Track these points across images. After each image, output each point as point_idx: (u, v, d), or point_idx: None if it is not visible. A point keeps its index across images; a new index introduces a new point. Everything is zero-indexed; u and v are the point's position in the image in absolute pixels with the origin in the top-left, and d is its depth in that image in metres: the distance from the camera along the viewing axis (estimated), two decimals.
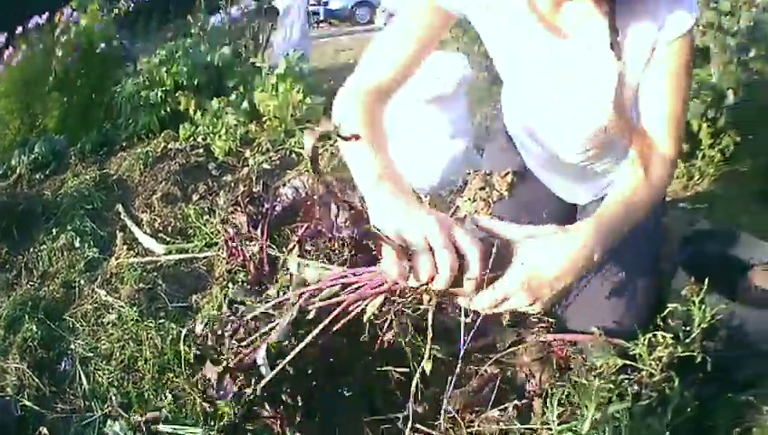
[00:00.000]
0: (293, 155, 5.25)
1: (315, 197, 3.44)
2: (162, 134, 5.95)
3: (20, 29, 7.22)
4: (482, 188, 1.79)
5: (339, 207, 2.86)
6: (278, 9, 10.76)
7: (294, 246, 3.00)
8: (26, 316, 3.60)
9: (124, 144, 6.18)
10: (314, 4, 27.16)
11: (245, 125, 5.65)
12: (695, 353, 1.79)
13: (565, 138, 2.17)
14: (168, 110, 6.29)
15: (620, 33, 1.76)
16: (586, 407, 1.69)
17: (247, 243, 3.41)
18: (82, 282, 3.91)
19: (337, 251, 2.91)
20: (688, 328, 1.82)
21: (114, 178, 5.35)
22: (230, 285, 3.38)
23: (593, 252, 1.55)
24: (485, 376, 2.03)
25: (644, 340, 1.84)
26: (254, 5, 10.44)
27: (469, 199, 1.80)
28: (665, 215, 2.85)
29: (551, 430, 1.75)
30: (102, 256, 4.20)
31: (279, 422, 2.15)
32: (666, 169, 1.86)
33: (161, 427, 2.60)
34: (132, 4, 9.17)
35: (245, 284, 3.30)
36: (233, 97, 5.94)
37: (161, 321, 3.28)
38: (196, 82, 6.35)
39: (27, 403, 3.02)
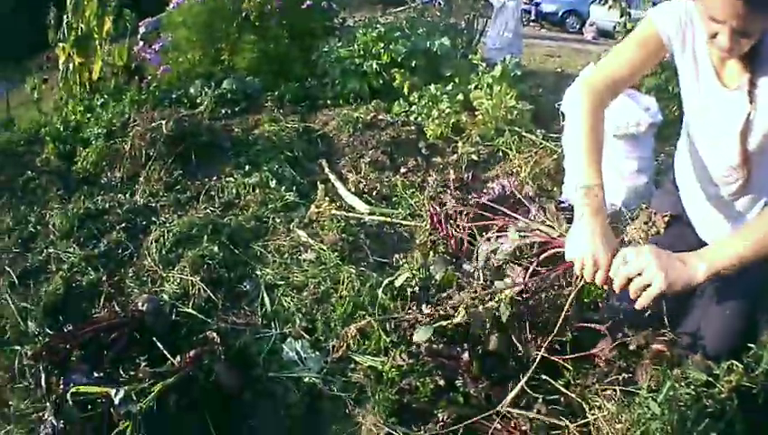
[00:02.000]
0: (500, 153, 6.01)
1: (519, 198, 4.21)
2: (372, 103, 6.79)
3: None
4: (645, 223, 2.73)
5: (537, 213, 3.72)
6: (493, 4, 11.79)
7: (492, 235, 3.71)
8: (205, 237, 4.37)
9: (328, 103, 7.06)
10: (526, 3, 28.70)
11: (457, 114, 6.39)
12: (755, 386, 2.60)
13: (712, 169, 2.91)
14: (381, 81, 7.14)
15: (755, 90, 2.56)
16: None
17: (451, 222, 4.18)
18: (277, 220, 4.68)
19: (525, 251, 3.63)
20: (757, 365, 2.66)
21: (318, 133, 6.21)
22: (431, 253, 4.12)
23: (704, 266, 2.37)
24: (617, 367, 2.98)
25: (724, 365, 2.66)
26: None
27: (635, 229, 2.76)
28: None
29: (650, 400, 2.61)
30: (300, 201, 4.97)
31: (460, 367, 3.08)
32: None
33: (351, 354, 3.39)
34: None
35: (445, 255, 4.05)
36: (449, 87, 6.73)
37: (363, 268, 4.00)
38: (413, 64, 7.21)
39: (189, 310, 3.77)
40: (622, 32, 8.73)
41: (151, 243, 4.48)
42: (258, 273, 4.15)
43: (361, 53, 7.33)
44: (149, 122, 5.66)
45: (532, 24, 29.27)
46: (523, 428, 2.93)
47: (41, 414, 3.08)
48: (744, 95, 2.59)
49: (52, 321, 3.87)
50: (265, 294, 3.93)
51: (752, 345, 2.73)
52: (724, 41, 2.42)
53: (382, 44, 7.24)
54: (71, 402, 2.89)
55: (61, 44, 7.52)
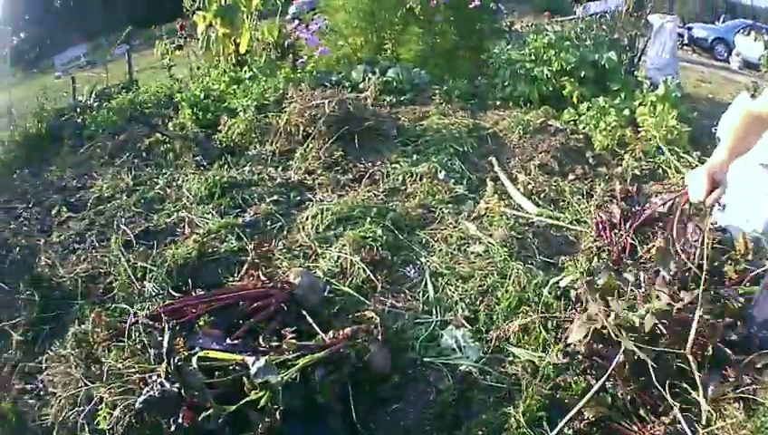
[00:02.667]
0: (660, 169, 5.96)
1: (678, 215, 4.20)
2: (542, 108, 6.78)
3: None
4: None
5: (695, 230, 4.07)
6: (652, 24, 11.69)
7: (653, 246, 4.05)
8: (368, 219, 4.39)
9: (497, 103, 7.11)
10: (680, 27, 28.83)
11: (623, 128, 6.38)
12: None
13: None
14: (551, 88, 7.11)
15: None
16: None
17: (616, 231, 4.29)
18: (445, 211, 4.68)
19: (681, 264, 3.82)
20: None
21: (488, 131, 6.21)
22: (595, 258, 4.13)
23: None
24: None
25: None
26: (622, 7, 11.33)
27: None
28: None
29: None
30: (468, 195, 4.97)
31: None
32: None
33: (510, 347, 3.43)
34: None
35: (608, 262, 4.04)
36: (616, 101, 6.74)
37: (530, 265, 3.99)
38: (582, 75, 7.19)
39: (345, 289, 3.79)
40: (765, 64, 8.75)
41: (307, 218, 4.52)
42: (423, 260, 4.15)
43: (532, 57, 7.32)
44: (309, 101, 5.69)
45: (684, 47, 29.29)
46: (658, 433, 3.04)
47: (146, 376, 2.94)
48: None
49: (177, 283, 3.90)
50: (429, 281, 3.93)
51: None
52: None
53: (553, 52, 7.23)
54: (195, 366, 2.85)
55: (200, 13, 7.71)
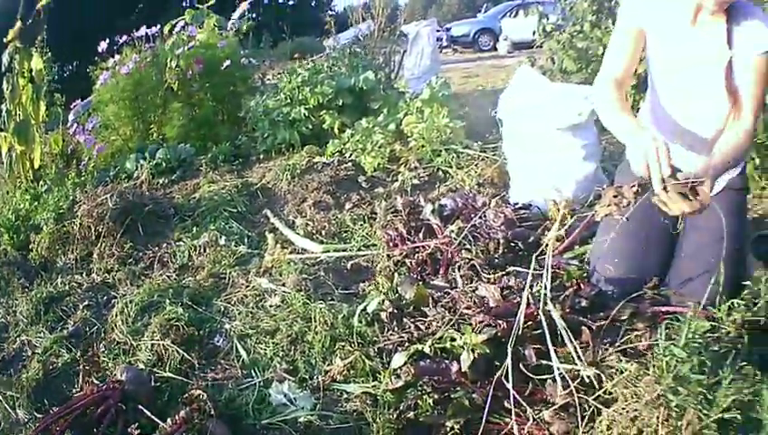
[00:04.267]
0: (440, 172, 6.00)
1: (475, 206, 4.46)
2: (305, 148, 6.74)
3: (124, 38, 8.21)
4: (615, 196, 2.81)
5: (495, 214, 4.18)
6: (407, 34, 11.97)
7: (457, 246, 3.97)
8: (167, 301, 4.26)
9: (261, 156, 7.05)
10: (438, 30, 29.04)
11: (391, 144, 6.37)
12: (761, 319, 2.84)
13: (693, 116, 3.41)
14: (310, 126, 7.09)
15: (732, 34, 3.12)
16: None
17: (408, 242, 4.22)
18: (234, 274, 4.59)
19: (492, 251, 3.97)
20: (757, 301, 2.88)
21: (257, 186, 6.15)
22: (395, 275, 4.06)
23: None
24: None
25: (724, 307, 2.86)
26: (373, 27, 11.45)
27: (603, 206, 2.85)
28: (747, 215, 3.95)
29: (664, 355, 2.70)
30: (252, 252, 4.92)
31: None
32: (745, 134, 3.14)
33: (340, 386, 3.31)
34: (252, 22, 10.13)
35: (409, 274, 3.99)
36: (380, 118, 6.71)
37: (331, 302, 3.94)
38: (341, 103, 7.17)
39: (167, 374, 3.65)
40: (541, 35, 8.84)
41: (116, 315, 4.37)
42: (227, 326, 4.04)
43: (288, 100, 7.29)
44: (94, 200, 5.64)
45: (444, 50, 29.71)
46: (539, 415, 2.93)
47: None
48: (722, 43, 3.15)
49: (37, 405, 3.73)
50: (238, 345, 3.82)
51: (746, 283, 3.04)
52: None
53: (308, 89, 7.20)
54: None
55: (2, 134, 7.47)
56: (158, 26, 8.33)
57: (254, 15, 10.45)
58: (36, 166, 7.35)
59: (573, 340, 2.91)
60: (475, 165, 6.12)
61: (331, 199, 5.59)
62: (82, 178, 6.90)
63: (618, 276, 3.51)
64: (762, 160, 5.46)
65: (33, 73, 7.40)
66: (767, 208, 5.47)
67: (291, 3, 53.26)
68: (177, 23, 8.57)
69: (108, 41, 8.16)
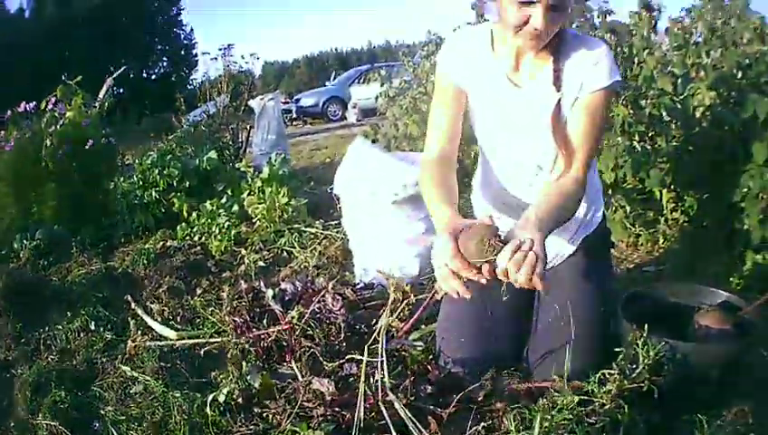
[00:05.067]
0: (284, 253, 6.50)
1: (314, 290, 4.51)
2: (158, 232, 7.23)
3: (8, 113, 8.41)
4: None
5: (335, 298, 4.18)
6: (254, 109, 12.28)
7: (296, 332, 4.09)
8: (52, 384, 4.73)
9: (122, 240, 7.50)
10: (287, 102, 29.60)
11: (237, 226, 6.84)
12: (642, 385, 2.56)
13: (526, 169, 3.07)
14: (163, 209, 7.57)
15: (561, 75, 2.78)
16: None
17: (254, 330, 4.51)
18: (104, 360, 5.07)
19: (333, 334, 4.03)
20: (635, 365, 2.57)
21: (119, 271, 6.62)
22: (243, 363, 4.36)
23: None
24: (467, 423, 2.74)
25: (594, 378, 2.59)
26: (226, 102, 11.84)
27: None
28: (612, 275, 3.76)
29: None
30: (119, 338, 5.39)
31: None
32: (575, 183, 2.78)
33: None
34: (113, 99, 10.42)
35: (257, 362, 4.35)
36: (223, 200, 7.17)
37: (186, 391, 4.33)
38: (188, 185, 7.64)
39: None
40: (385, 99, 9.08)
41: (16, 394, 4.80)
42: (102, 412, 4.46)
43: (140, 183, 7.72)
44: None
45: (294, 123, 29.89)
46: None
47: None
48: (549, 85, 2.82)
49: None
50: (113, 431, 4.19)
51: (619, 349, 2.71)
52: (538, 21, 2.57)
53: (157, 171, 7.62)
54: None
55: None
56: (34, 103, 8.49)
57: (119, 90, 10.66)
58: None
59: (422, 430, 2.68)
60: (319, 243, 6.45)
61: (183, 285, 6.01)
62: None
63: (468, 355, 3.20)
64: (632, 207, 5.41)
65: None
66: (643, 257, 5.58)
67: (153, 78, 53.51)
68: (49, 99, 8.70)
69: None
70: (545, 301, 3.19)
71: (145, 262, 6.62)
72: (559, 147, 2.88)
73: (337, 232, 6.48)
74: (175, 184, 7.76)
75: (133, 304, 5.73)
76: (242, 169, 7.83)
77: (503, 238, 2.39)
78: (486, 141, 3.22)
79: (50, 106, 8.61)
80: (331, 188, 5.94)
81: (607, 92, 2.83)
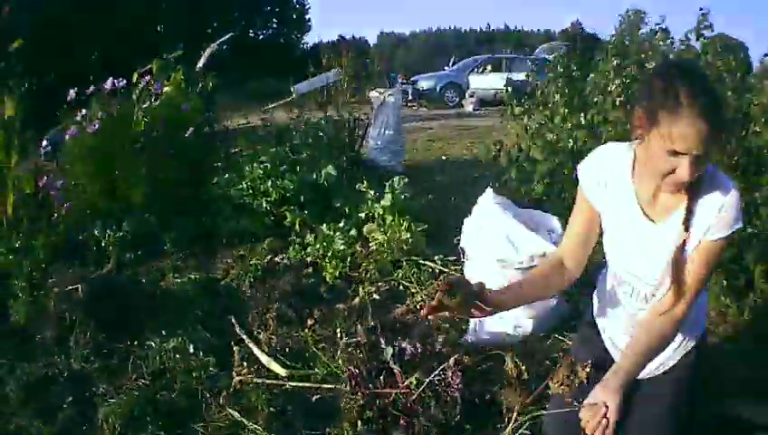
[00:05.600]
0: (401, 287, 6.10)
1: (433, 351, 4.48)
2: (266, 241, 6.81)
3: (91, 89, 7.85)
4: (567, 376, 2.71)
5: (454, 373, 4.12)
6: (373, 102, 12.14)
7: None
8: (146, 416, 4.30)
9: (224, 241, 7.04)
10: (404, 83, 30.04)
11: (352, 246, 6.43)
12: None
13: (638, 296, 3.10)
14: (272, 217, 7.15)
15: (691, 218, 2.76)
16: None
17: (371, 386, 4.21)
18: (207, 394, 4.58)
19: (449, 408, 4.00)
20: None
21: (221, 284, 6.18)
22: (359, 423, 4.10)
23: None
24: None
25: None
26: (340, 75, 11.48)
27: (557, 383, 2.74)
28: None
29: None
30: (221, 366, 4.89)
31: None
32: (673, 325, 2.91)
33: None
34: (216, 80, 10.12)
35: (372, 424, 4.08)
36: (341, 223, 6.72)
37: None
38: (302, 199, 7.23)
39: None
40: (506, 98, 8.95)
41: (101, 424, 4.33)
42: None
43: (250, 191, 7.31)
44: (65, 286, 5.60)
45: (410, 104, 29.44)
46: None
47: None
48: (678, 225, 2.82)
49: None
50: None
51: None
52: (685, 173, 2.58)
53: (270, 181, 7.23)
54: None
55: None
56: (123, 80, 7.96)
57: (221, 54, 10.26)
58: (10, 212, 7.16)
59: None
60: (437, 283, 5.97)
61: (292, 313, 5.56)
62: (53, 239, 6.77)
63: None
64: (729, 281, 5.39)
65: (6, 118, 7.25)
66: (729, 331, 5.45)
67: (261, 38, 53.23)
68: (142, 74, 8.34)
69: (77, 91, 7.84)
70: (630, 411, 3.12)
71: (251, 278, 6.17)
72: (672, 282, 2.93)
73: (455, 268, 6.24)
74: (289, 196, 7.31)
75: (238, 329, 5.34)
76: (362, 189, 7.23)
77: (588, 365, 2.75)
78: (611, 256, 3.26)
79: (143, 82, 8.21)
80: (458, 239, 5.93)
81: (725, 241, 2.87)
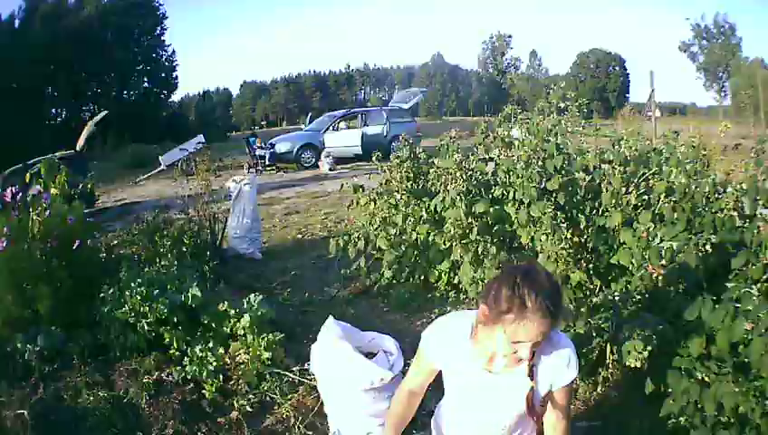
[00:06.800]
0: (268, 398, 6.88)
1: None
2: (153, 355, 7.60)
3: None
4: None
5: None
6: (230, 193, 12.93)
7: None
8: None
9: (118, 354, 7.69)
10: (261, 148, 31.57)
11: (223, 360, 7.23)
12: None
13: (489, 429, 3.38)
14: (154, 335, 7.84)
15: (535, 369, 3.10)
16: None
17: None
18: None
19: None
20: None
21: (124, 400, 6.82)
22: None
23: None
24: None
25: None
26: (202, 144, 11.74)
27: None
28: None
29: None
30: None
31: None
32: None
33: None
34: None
35: None
36: (210, 344, 7.41)
37: None
38: (175, 320, 7.93)
39: None
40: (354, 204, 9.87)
41: None
42: None
43: (132, 314, 7.84)
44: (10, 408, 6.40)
45: (268, 169, 31.36)
46: None
47: None
48: (523, 376, 3.12)
49: None
50: None
51: None
52: (526, 353, 2.91)
53: (147, 305, 7.84)
54: None
55: None
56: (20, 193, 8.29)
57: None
58: None
59: None
60: (297, 392, 6.88)
61: (186, 429, 6.46)
62: None
63: None
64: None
65: None
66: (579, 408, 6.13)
67: (132, 98, 54.14)
68: (30, 182, 8.87)
69: None
70: None
71: (147, 397, 6.93)
72: (536, 422, 3.30)
73: (311, 378, 6.92)
74: (164, 317, 7.81)
75: None
76: (225, 309, 8.00)
77: None
78: (455, 407, 3.64)
79: (33, 191, 8.80)
80: (308, 364, 6.64)
81: (571, 387, 3.31)
